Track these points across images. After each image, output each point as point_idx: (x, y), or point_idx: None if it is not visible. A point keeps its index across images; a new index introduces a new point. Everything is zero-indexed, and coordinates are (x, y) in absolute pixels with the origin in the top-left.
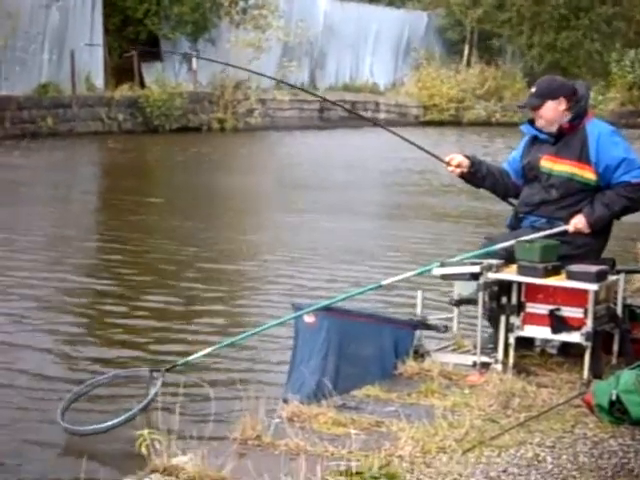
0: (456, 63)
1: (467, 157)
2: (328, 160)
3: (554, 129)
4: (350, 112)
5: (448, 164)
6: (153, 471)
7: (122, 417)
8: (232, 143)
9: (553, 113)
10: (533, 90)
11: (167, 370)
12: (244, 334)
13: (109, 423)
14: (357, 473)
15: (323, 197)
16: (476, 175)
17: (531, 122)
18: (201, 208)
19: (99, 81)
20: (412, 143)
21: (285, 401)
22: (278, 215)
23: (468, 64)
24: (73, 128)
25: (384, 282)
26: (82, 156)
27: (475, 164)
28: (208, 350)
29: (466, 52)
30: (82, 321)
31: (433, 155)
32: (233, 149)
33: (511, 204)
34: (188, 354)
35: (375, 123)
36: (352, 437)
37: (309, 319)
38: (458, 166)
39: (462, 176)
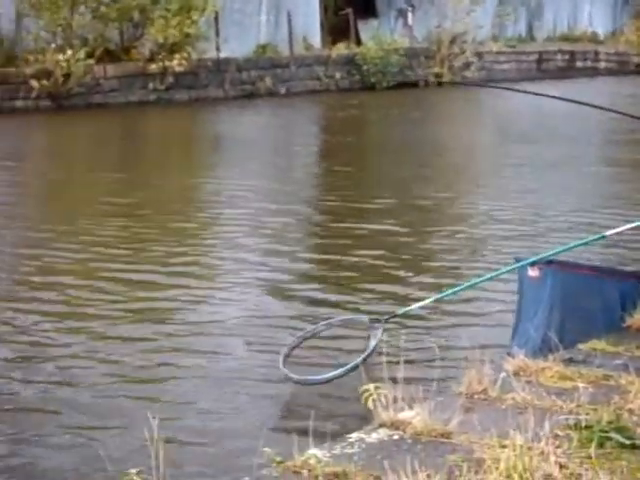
0: None
1: None
2: (549, 112)
3: None
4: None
5: None
6: (381, 425)
7: (345, 368)
8: (450, 97)
9: None
10: None
11: (387, 320)
12: (464, 284)
13: (333, 373)
14: (586, 427)
15: (547, 149)
16: None
17: None
18: (428, 159)
19: (316, 40)
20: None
21: (510, 355)
22: (502, 167)
23: None
24: (291, 88)
25: (608, 233)
26: (307, 113)
27: None
28: (428, 301)
29: None
30: (305, 265)
31: None
32: (452, 103)
33: None
34: (407, 304)
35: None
36: (580, 391)
37: (533, 273)
38: None
39: None
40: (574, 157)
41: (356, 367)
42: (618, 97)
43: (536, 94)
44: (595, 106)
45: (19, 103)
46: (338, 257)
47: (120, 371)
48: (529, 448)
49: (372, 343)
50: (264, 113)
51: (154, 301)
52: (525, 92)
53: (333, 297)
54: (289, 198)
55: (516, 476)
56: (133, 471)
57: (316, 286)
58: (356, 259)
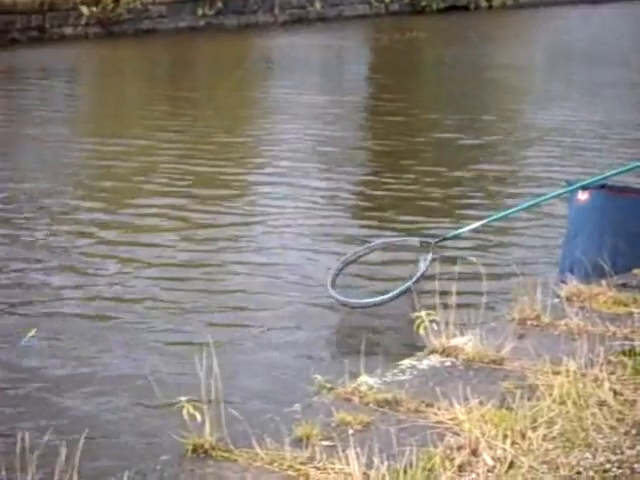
0: None
1: None
2: (608, 34)
3: None
4: None
5: None
6: (432, 352)
7: (395, 292)
8: (504, 20)
9: None
10: None
11: (437, 242)
12: (515, 208)
13: (383, 297)
14: None
15: (605, 71)
16: None
17: None
18: (489, 78)
19: None
20: None
21: (563, 281)
22: (570, 85)
23: None
24: (341, 12)
25: None
26: (360, 37)
27: None
28: (478, 224)
29: None
30: (358, 179)
31: None
32: (507, 25)
33: None
34: (458, 227)
35: None
36: (634, 316)
37: (584, 197)
38: None
39: None
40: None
41: (406, 290)
42: None
43: None
44: None
45: (68, 30)
46: (393, 174)
47: (171, 298)
48: (583, 374)
49: (422, 266)
50: (315, 37)
51: (214, 214)
52: None
53: (385, 216)
54: (347, 112)
55: (570, 402)
56: (183, 399)
57: (367, 205)
58: (412, 175)
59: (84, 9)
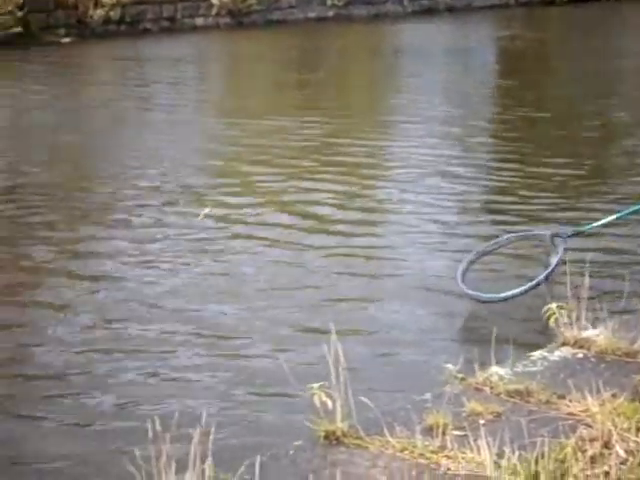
0: None
1: None
2: None
3: None
4: None
5: None
6: (564, 344)
7: (526, 286)
8: (636, 9)
9: None
10: None
11: (570, 235)
12: None
13: (514, 291)
14: None
15: None
16: None
17: None
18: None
19: None
20: None
21: None
22: None
23: None
24: (470, 3)
25: None
26: (484, 28)
27: None
28: (612, 217)
29: None
30: (486, 172)
31: None
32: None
33: None
34: (590, 218)
35: None
36: None
37: None
38: None
39: None
40: None
41: (537, 285)
42: None
43: None
44: None
45: (199, 20)
46: (521, 165)
47: (302, 285)
48: None
49: (554, 260)
50: (445, 27)
51: (342, 209)
52: None
53: (515, 208)
54: (475, 101)
55: None
56: (315, 385)
57: (498, 197)
58: (540, 166)
59: (215, 0)
